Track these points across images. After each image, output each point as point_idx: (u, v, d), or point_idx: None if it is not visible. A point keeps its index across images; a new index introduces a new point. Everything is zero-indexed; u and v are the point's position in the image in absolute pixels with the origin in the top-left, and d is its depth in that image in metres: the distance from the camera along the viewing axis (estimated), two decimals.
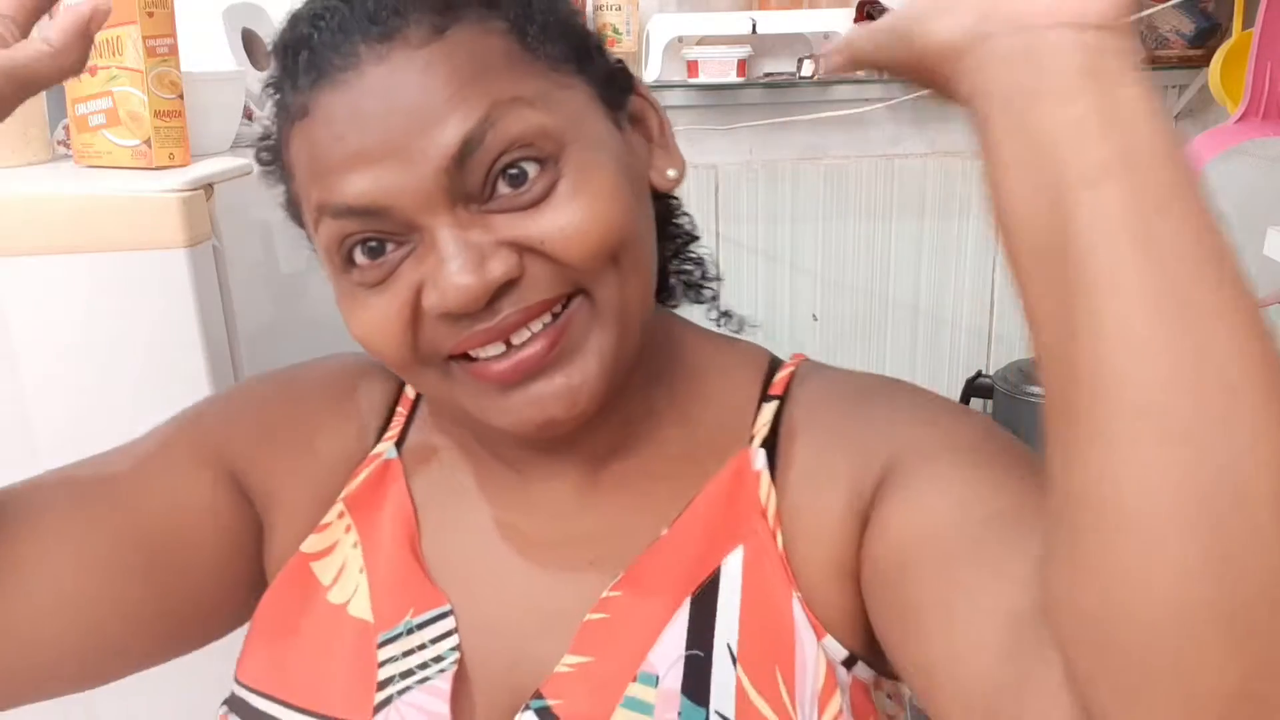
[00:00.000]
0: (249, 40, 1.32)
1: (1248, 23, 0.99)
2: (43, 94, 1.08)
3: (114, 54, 0.97)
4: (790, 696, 0.48)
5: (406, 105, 0.46)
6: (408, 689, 0.51)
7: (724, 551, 0.52)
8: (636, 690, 0.49)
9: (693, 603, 0.51)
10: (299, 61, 0.49)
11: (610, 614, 0.51)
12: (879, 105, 1.57)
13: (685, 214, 0.63)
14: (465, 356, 0.49)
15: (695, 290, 0.65)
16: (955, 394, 1.68)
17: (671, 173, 0.55)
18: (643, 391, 0.55)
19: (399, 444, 0.60)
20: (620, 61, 0.55)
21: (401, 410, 0.62)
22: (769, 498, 0.53)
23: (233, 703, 0.55)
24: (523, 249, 0.47)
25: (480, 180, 0.46)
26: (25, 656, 0.53)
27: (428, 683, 0.51)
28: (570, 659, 0.50)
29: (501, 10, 0.49)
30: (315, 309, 1.15)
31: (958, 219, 1.69)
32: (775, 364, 0.59)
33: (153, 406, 0.97)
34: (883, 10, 1.49)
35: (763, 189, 1.69)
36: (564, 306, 0.48)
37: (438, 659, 0.52)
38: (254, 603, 0.58)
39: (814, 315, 1.75)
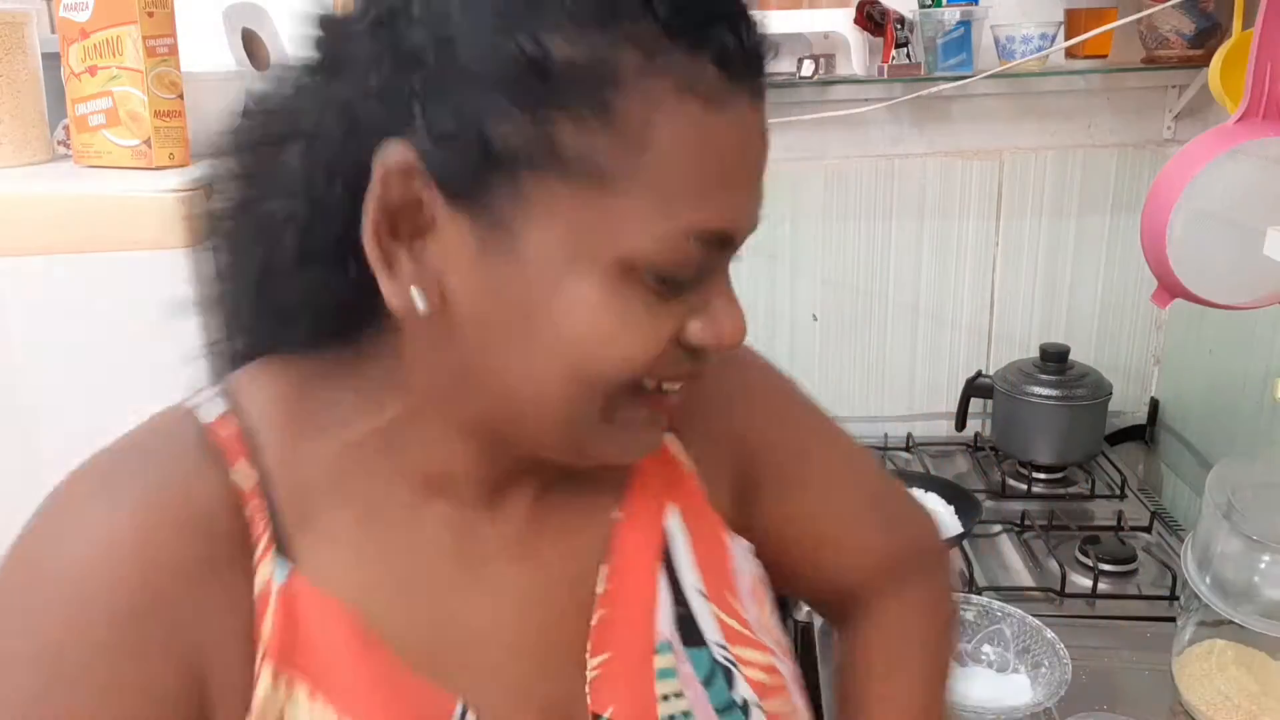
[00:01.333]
0: (249, 40, 1.32)
1: (1248, 23, 0.99)
2: (43, 94, 1.08)
3: (114, 54, 0.97)
4: (740, 604, 0.58)
5: (763, 153, 0.47)
6: None
7: (663, 515, 0.58)
8: (660, 661, 0.54)
9: (664, 567, 0.56)
10: (721, 36, 0.43)
11: (609, 609, 0.54)
12: (879, 105, 1.57)
13: None
14: (642, 389, 0.48)
15: None
16: (955, 394, 1.67)
17: None
18: None
19: (280, 551, 0.48)
20: None
21: (255, 505, 0.48)
22: (690, 466, 0.60)
23: None
24: None
25: None
26: None
27: None
28: (593, 661, 0.53)
29: None
30: None
31: (958, 219, 1.69)
32: None
33: (153, 407, 0.97)
34: (883, 11, 1.49)
35: None
36: None
37: None
38: None
39: (814, 315, 1.75)
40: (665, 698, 0.53)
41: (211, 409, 0.51)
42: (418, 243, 0.45)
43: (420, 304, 0.45)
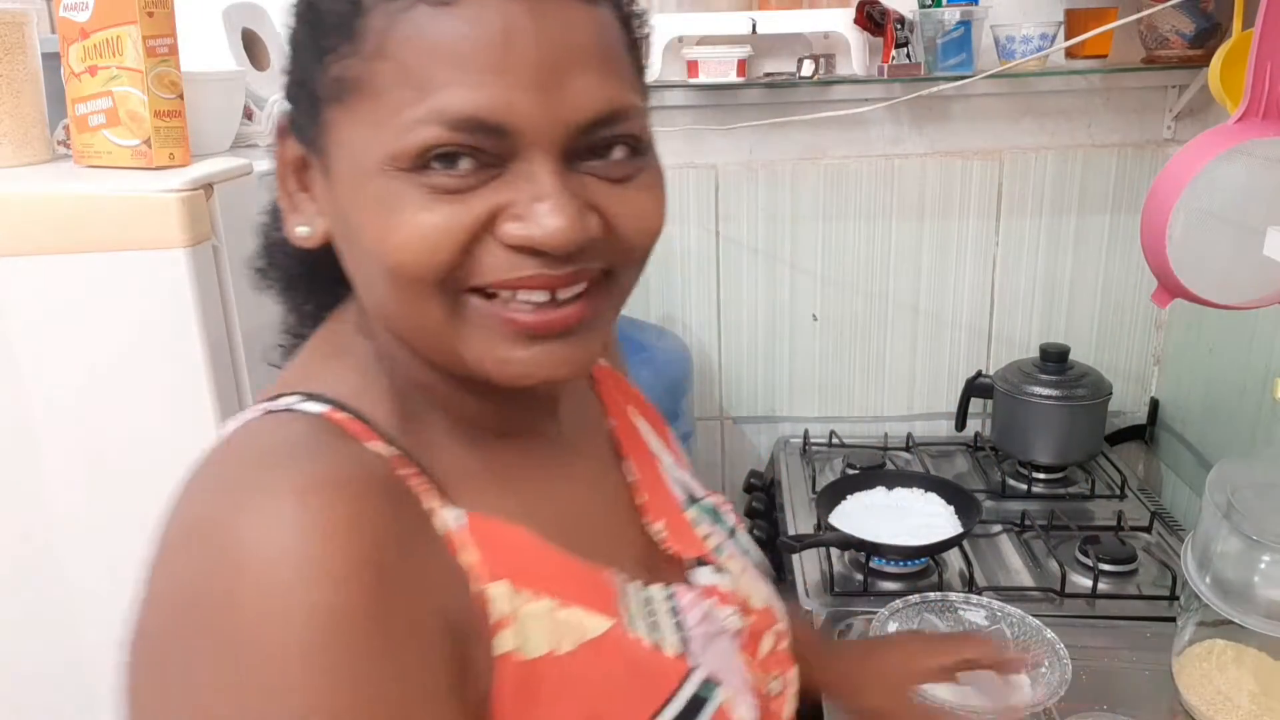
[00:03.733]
0: (249, 40, 1.32)
1: (1248, 23, 0.99)
2: (43, 94, 1.08)
3: (114, 54, 0.97)
4: (688, 467, 0.75)
5: (564, 43, 0.47)
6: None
7: (629, 414, 0.71)
8: (689, 516, 0.68)
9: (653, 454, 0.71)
10: None
11: (644, 490, 0.66)
12: (879, 105, 1.57)
13: None
14: (486, 295, 0.49)
15: None
16: (955, 394, 1.68)
17: None
18: None
19: (444, 497, 0.52)
20: None
21: (407, 470, 0.51)
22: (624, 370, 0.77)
23: None
24: (600, 217, 0.50)
25: (588, 146, 0.49)
26: None
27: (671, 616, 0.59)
28: (655, 526, 0.64)
29: (623, 16, 0.53)
30: None
31: (958, 219, 1.69)
32: None
33: (153, 407, 0.97)
34: (883, 11, 1.49)
35: (763, 189, 1.69)
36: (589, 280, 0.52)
37: (650, 607, 0.58)
38: None
39: (814, 315, 1.75)
40: (705, 537, 0.67)
41: (311, 406, 0.52)
42: (314, 189, 0.54)
43: (304, 232, 0.54)
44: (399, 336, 0.53)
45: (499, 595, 0.50)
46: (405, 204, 0.47)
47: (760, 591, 0.68)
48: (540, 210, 0.47)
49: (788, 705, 0.67)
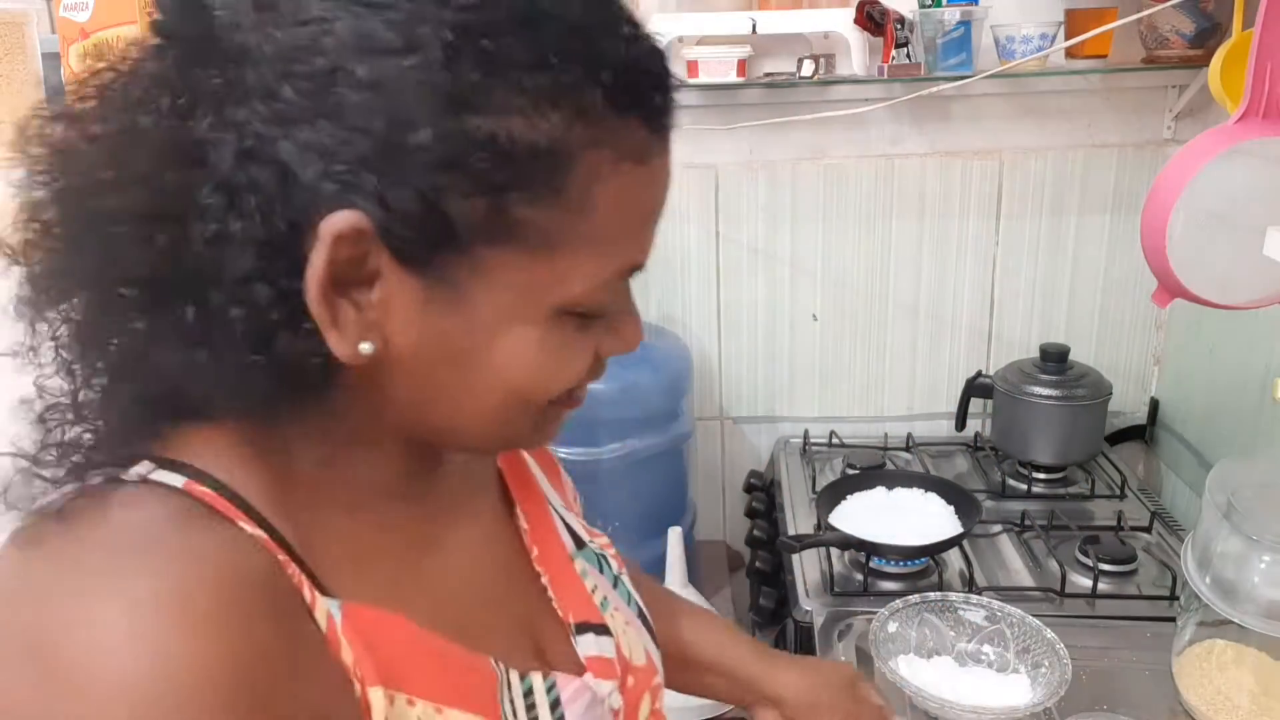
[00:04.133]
0: None
1: (1248, 23, 0.99)
2: (43, 94, 1.08)
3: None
4: (576, 506, 0.73)
5: (669, 185, 0.52)
6: None
7: (521, 455, 0.69)
8: (576, 566, 0.66)
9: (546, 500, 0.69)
10: (653, 99, 0.48)
11: (536, 541, 0.64)
12: (879, 105, 1.57)
13: None
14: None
15: None
16: (955, 394, 1.68)
17: None
18: None
19: (320, 589, 0.47)
20: None
21: (282, 556, 0.45)
22: None
23: None
24: None
25: None
26: None
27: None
28: (543, 581, 0.63)
29: None
30: None
31: (958, 219, 1.69)
32: None
33: None
34: (883, 11, 1.49)
35: (763, 189, 1.69)
36: None
37: (530, 699, 0.55)
38: None
39: (814, 315, 1.75)
40: (592, 590, 0.65)
41: (167, 477, 0.44)
42: (356, 292, 0.45)
43: (368, 351, 0.46)
44: (443, 438, 0.54)
45: (376, 704, 0.46)
46: (564, 342, 0.50)
47: (640, 644, 0.65)
48: (631, 325, 0.54)
49: None
